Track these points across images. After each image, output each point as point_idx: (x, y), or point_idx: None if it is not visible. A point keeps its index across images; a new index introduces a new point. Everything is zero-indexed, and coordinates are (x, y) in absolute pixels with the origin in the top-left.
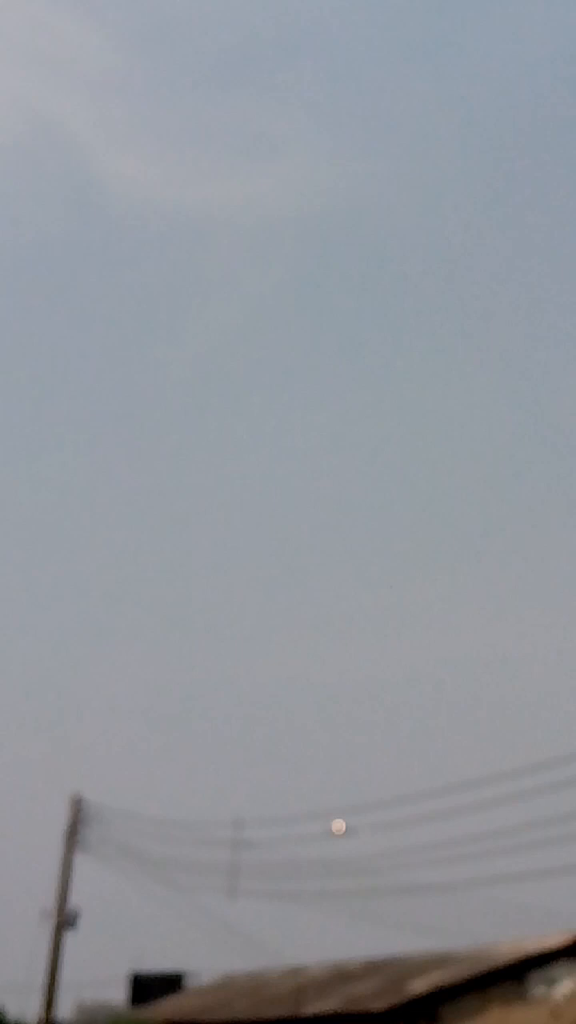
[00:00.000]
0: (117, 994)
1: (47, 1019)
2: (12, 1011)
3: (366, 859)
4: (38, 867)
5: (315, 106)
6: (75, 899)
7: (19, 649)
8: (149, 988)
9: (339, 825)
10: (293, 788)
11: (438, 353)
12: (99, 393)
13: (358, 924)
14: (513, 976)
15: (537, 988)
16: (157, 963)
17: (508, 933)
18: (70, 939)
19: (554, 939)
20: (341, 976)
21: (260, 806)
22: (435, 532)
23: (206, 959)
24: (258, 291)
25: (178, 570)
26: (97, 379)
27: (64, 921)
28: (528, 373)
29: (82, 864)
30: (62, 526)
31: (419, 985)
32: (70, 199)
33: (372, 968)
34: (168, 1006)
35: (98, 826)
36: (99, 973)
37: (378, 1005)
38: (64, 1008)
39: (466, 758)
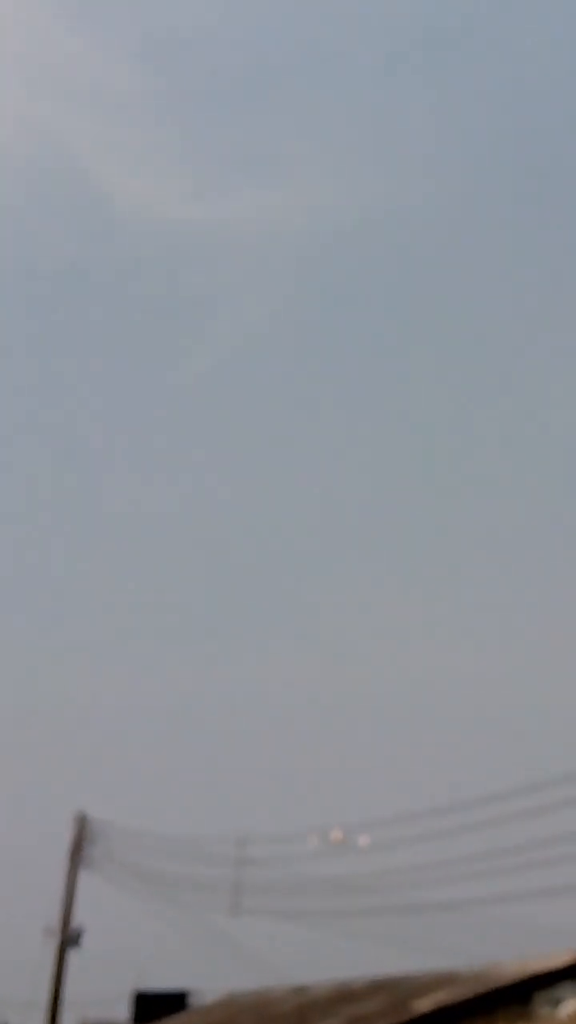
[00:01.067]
0: (120, 1012)
1: None
2: None
3: (370, 877)
4: (42, 885)
5: (323, 125)
6: (79, 917)
7: (19, 665)
8: (152, 1006)
9: (337, 834)
10: (297, 805)
11: (445, 374)
12: (105, 411)
13: (362, 942)
14: (518, 995)
15: (542, 1008)
16: (161, 981)
17: (513, 952)
18: (74, 957)
19: (559, 958)
20: (345, 995)
21: (264, 823)
22: (444, 549)
23: (210, 977)
24: (265, 310)
25: (179, 586)
26: (103, 398)
27: (68, 939)
28: (539, 394)
29: (86, 882)
30: (59, 540)
31: (424, 1004)
32: (78, 218)
33: (376, 987)
34: None
35: (102, 843)
36: (102, 991)
37: None
38: None
39: (472, 775)
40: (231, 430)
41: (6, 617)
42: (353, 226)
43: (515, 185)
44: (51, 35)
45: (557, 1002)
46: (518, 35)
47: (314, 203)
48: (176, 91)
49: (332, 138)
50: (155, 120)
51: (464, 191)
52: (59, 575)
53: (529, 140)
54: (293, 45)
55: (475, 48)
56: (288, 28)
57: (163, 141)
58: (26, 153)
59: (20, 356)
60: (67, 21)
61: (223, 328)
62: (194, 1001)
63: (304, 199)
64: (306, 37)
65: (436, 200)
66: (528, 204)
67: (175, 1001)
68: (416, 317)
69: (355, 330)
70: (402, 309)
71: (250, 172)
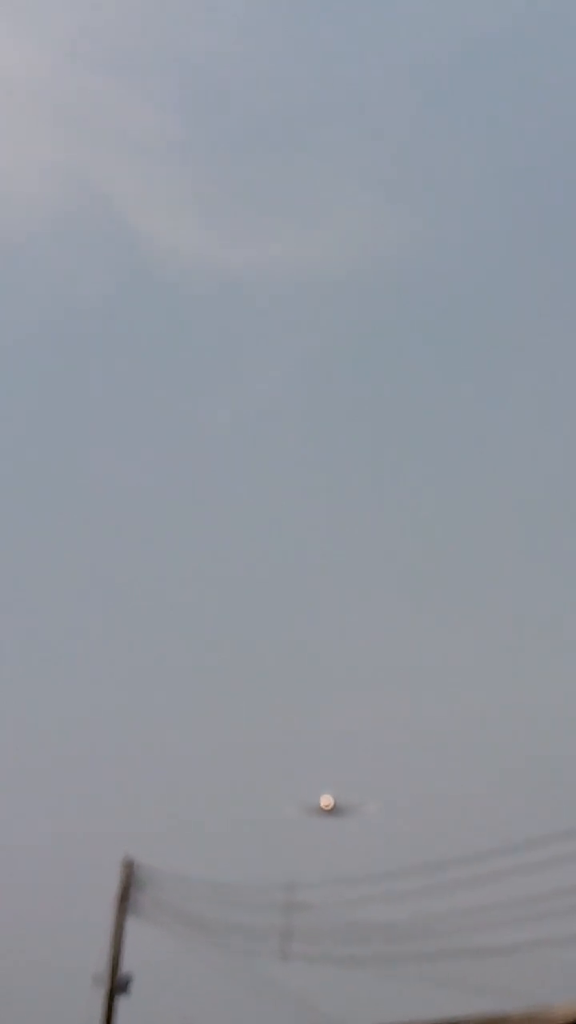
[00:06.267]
0: None
1: None
2: None
3: (422, 921)
4: (91, 932)
5: (359, 167)
6: (128, 963)
7: (69, 713)
8: None
9: (327, 800)
10: (348, 850)
11: (483, 414)
12: (142, 452)
13: (413, 986)
14: None
15: None
16: None
17: (563, 995)
18: (123, 1004)
19: None
20: None
21: (315, 868)
22: (479, 586)
23: (259, 1023)
24: (303, 352)
25: (214, 631)
26: (135, 439)
27: (117, 986)
28: None
29: (134, 928)
30: (101, 585)
31: None
32: (117, 265)
33: None
34: None
35: (150, 890)
36: None
37: None
38: None
39: (523, 818)
40: (262, 473)
41: (63, 669)
42: (391, 268)
43: (550, 223)
44: (88, 84)
45: None
46: (553, 71)
47: (352, 245)
48: (214, 138)
49: (369, 181)
50: (190, 166)
51: (498, 231)
52: (101, 623)
53: (565, 178)
54: (329, 90)
55: (509, 86)
56: (324, 74)
57: (197, 186)
58: (64, 198)
59: (56, 397)
60: (107, 73)
61: (255, 370)
62: None
63: (342, 241)
64: (342, 82)
65: (469, 240)
66: (566, 243)
67: None
68: (450, 357)
69: (392, 370)
70: (436, 351)
71: (288, 216)
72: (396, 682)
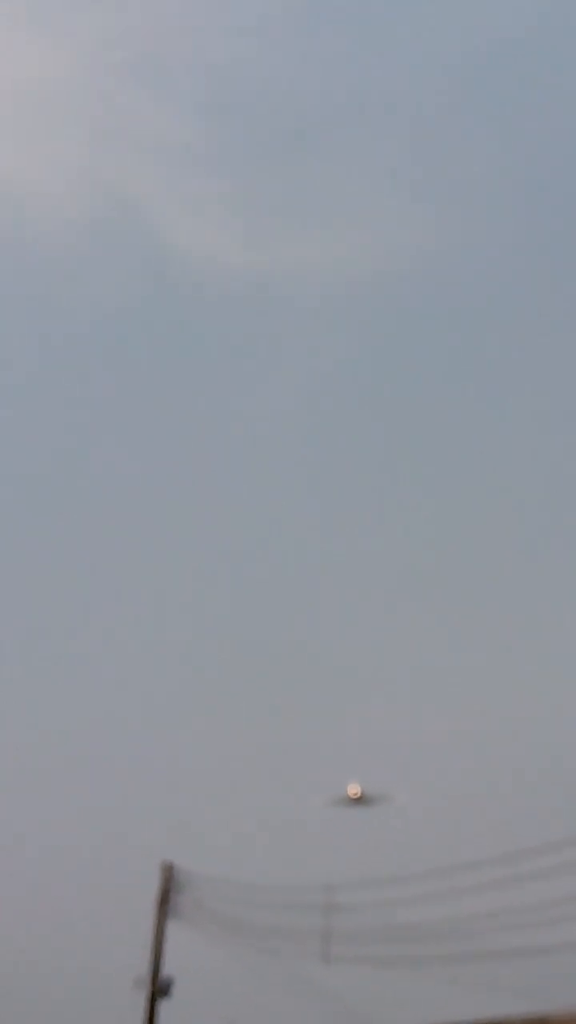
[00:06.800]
0: None
1: None
2: None
3: (461, 922)
4: (131, 936)
5: (384, 169)
6: (168, 967)
7: (107, 718)
8: None
9: (355, 788)
10: (384, 851)
11: (510, 414)
12: (164, 456)
13: (453, 987)
14: None
15: None
16: None
17: None
18: (164, 1007)
19: None
20: None
21: (350, 869)
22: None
23: None
24: (333, 356)
25: (248, 643)
26: (162, 442)
27: (158, 989)
28: None
29: (175, 931)
30: (128, 584)
31: None
32: (143, 269)
33: None
34: None
35: (190, 893)
36: None
37: None
38: None
39: (559, 818)
40: (287, 477)
41: (98, 673)
42: (422, 270)
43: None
44: (114, 90)
45: None
46: None
47: (382, 248)
48: (241, 141)
49: (399, 184)
50: (215, 170)
51: (525, 231)
52: (144, 627)
53: None
54: (358, 92)
55: (535, 86)
56: (352, 76)
57: (222, 190)
58: (90, 203)
59: (83, 400)
60: (131, 78)
61: (279, 374)
62: None
63: (372, 244)
64: (371, 84)
65: (496, 241)
66: None
67: None
68: (475, 362)
69: (424, 374)
70: (463, 352)
71: (317, 219)
72: (427, 684)
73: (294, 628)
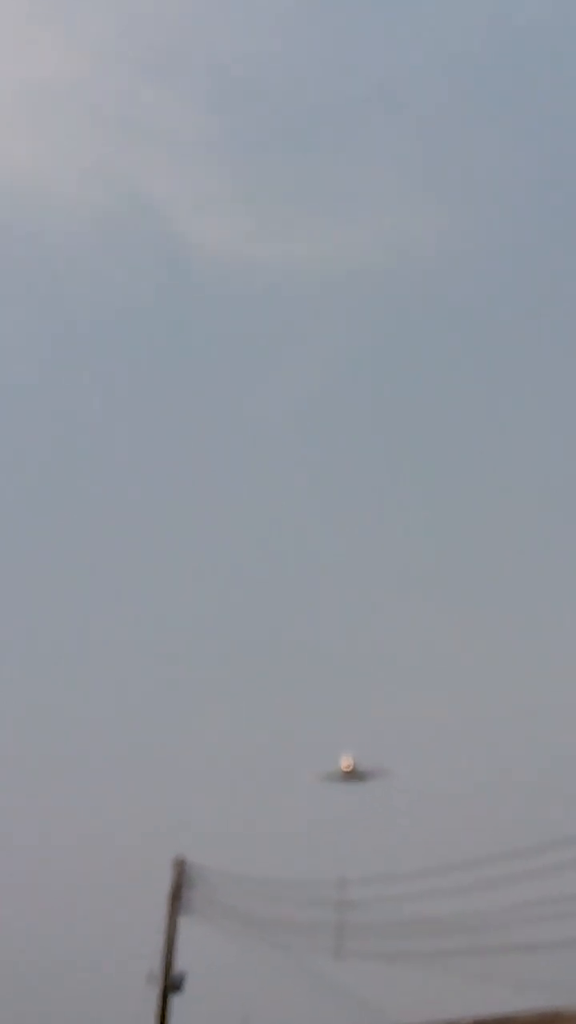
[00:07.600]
0: None
1: None
2: None
3: (474, 916)
4: (144, 931)
5: (395, 162)
6: (181, 961)
7: (119, 711)
8: None
9: (347, 761)
10: (396, 846)
11: (519, 408)
12: (177, 447)
13: (467, 982)
14: None
15: None
16: None
17: None
18: (177, 1002)
19: None
20: None
21: (366, 864)
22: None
23: (314, 1020)
24: (343, 346)
25: (271, 632)
26: (175, 435)
27: (171, 984)
28: None
29: (187, 926)
30: (133, 577)
31: None
32: (155, 263)
33: None
34: None
35: (202, 888)
36: None
37: None
38: None
39: (567, 816)
40: (300, 467)
41: (108, 667)
42: (430, 262)
43: None
44: (126, 84)
45: None
46: None
47: (390, 240)
48: (246, 135)
49: (407, 176)
50: (227, 164)
51: (535, 223)
52: (148, 620)
53: None
54: (365, 86)
55: (545, 78)
56: (360, 69)
57: (234, 184)
58: (102, 198)
59: (94, 392)
60: (141, 71)
61: (291, 365)
62: None
63: (380, 236)
64: (378, 78)
65: (506, 233)
66: None
67: None
68: (486, 354)
69: (432, 364)
70: (472, 345)
71: (325, 211)
72: (428, 678)
73: (296, 624)
